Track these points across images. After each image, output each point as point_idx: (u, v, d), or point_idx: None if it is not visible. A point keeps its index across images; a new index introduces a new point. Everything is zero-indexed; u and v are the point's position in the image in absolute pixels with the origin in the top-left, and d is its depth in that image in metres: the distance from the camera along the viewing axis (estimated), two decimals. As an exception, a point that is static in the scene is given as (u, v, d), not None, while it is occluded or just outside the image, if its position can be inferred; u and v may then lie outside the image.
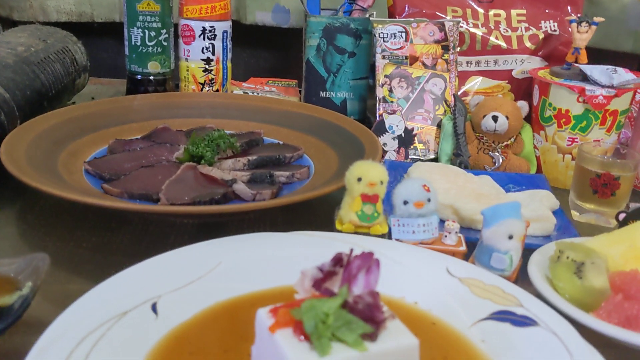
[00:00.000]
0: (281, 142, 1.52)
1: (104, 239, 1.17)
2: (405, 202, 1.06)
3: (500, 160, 1.52)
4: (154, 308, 0.85)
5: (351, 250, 0.76)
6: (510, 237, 0.99)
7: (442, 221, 1.11)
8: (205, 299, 0.90)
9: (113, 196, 1.19)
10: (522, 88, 1.70)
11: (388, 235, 1.09)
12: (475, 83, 1.69)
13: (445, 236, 1.08)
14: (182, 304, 0.88)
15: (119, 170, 1.28)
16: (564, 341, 0.81)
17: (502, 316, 0.88)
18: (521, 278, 1.04)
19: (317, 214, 1.29)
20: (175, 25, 1.81)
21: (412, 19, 1.64)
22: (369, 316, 0.70)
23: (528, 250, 1.07)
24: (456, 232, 1.08)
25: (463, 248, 1.07)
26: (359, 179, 1.05)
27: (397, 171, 1.44)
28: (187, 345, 0.81)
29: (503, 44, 1.55)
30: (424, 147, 1.59)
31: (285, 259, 0.99)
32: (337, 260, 0.76)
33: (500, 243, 0.99)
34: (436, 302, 0.92)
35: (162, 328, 0.83)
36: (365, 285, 0.75)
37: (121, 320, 0.81)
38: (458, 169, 1.39)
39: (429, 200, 1.06)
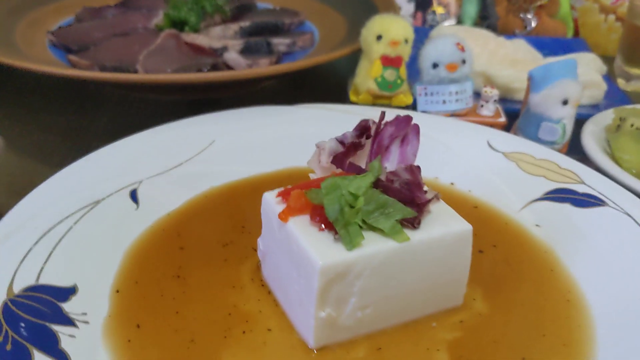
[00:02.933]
0: (278, 7, 1.29)
1: (75, 123, 0.99)
2: (435, 65, 0.87)
3: (533, 24, 1.31)
4: (133, 195, 0.69)
5: (382, 114, 0.58)
6: (565, 102, 0.81)
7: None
8: (196, 184, 0.73)
9: (82, 69, 1.00)
10: (558, -61, 1.45)
11: (413, 107, 0.91)
12: None
13: (482, 106, 0.91)
14: (168, 191, 0.71)
15: (88, 40, 1.08)
16: (641, 223, 0.66)
17: (560, 195, 0.72)
18: (571, 153, 0.87)
19: (326, 87, 1.10)
20: None
21: None
22: (408, 197, 0.54)
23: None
24: (495, 101, 0.90)
25: (502, 119, 0.90)
26: (379, 37, 0.86)
27: (416, 38, 1.23)
28: (176, 239, 0.66)
29: None
30: (443, 11, 1.37)
31: (292, 137, 0.82)
32: (363, 129, 0.59)
33: (553, 109, 0.82)
34: (477, 182, 0.76)
35: (144, 219, 0.67)
36: (400, 158, 0.58)
37: (93, 210, 0.65)
38: (487, 32, 1.18)
39: (463, 61, 0.87)
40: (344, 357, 0.53)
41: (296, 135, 0.82)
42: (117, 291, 0.58)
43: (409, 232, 0.52)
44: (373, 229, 0.52)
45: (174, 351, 0.52)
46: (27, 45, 1.06)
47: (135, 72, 0.97)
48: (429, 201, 0.54)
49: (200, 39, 1.08)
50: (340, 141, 0.59)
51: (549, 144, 0.83)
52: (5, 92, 1.08)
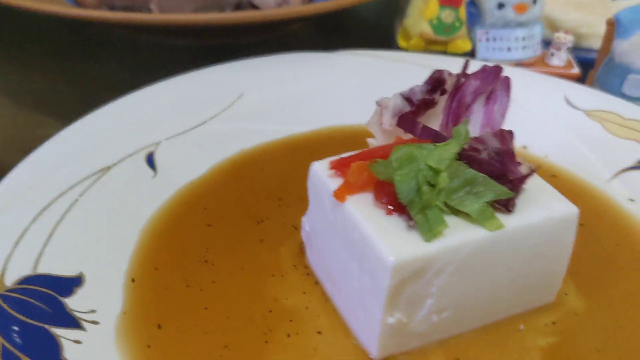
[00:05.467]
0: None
1: (80, 69, 0.87)
2: (501, 5, 0.74)
3: (595, -40, 1.16)
4: (150, 160, 0.58)
5: (466, 63, 0.46)
6: (659, 51, 0.68)
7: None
8: (223, 146, 0.62)
9: (89, 9, 0.87)
10: None
11: (471, 54, 0.78)
12: None
13: (552, 54, 0.78)
14: (191, 155, 0.60)
15: (94, -24, 0.95)
16: None
17: (659, 164, 0.61)
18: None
19: (364, 31, 0.97)
20: None
21: None
22: (499, 171, 0.42)
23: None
24: (568, 48, 0.77)
25: (576, 70, 0.77)
26: (436, -29, 0.73)
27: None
28: (202, 214, 0.55)
29: None
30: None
31: (333, 89, 0.70)
32: (436, 82, 0.47)
33: (643, 60, 0.69)
34: (555, 146, 0.64)
35: (163, 190, 0.56)
36: (485, 121, 0.47)
37: (102, 179, 0.54)
38: (547, -30, 1.04)
39: (534, 1, 0.74)
40: (413, 369, 0.43)
41: (338, 88, 0.70)
42: (133, 280, 0.48)
43: (501, 217, 0.41)
44: (457, 212, 0.41)
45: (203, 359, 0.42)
46: (25, -19, 0.94)
47: (149, 11, 0.85)
48: (526, 177, 0.43)
49: (220, -25, 0.94)
50: (407, 97, 0.47)
51: (637, 100, 0.70)
52: (2, 34, 0.96)
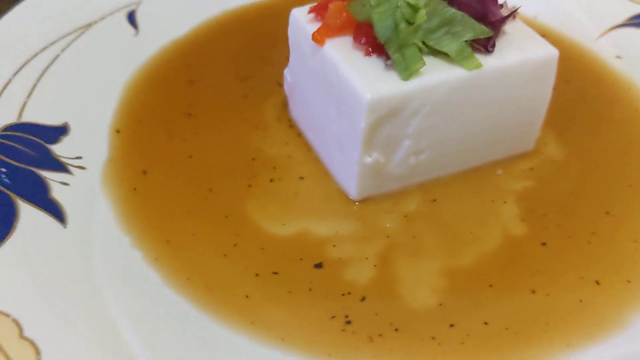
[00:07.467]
0: None
1: None
2: None
3: None
4: (131, 18, 0.57)
5: None
6: None
7: None
8: (206, 6, 0.60)
9: None
10: None
11: None
12: None
13: None
14: (174, 13, 0.59)
15: None
16: None
17: (649, 21, 0.59)
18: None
19: None
20: None
21: None
22: (480, 12, 0.42)
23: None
24: None
25: None
26: None
27: None
28: (184, 71, 0.54)
29: None
30: None
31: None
32: None
33: None
34: (545, 5, 0.62)
35: (145, 47, 0.55)
36: (470, -37, 0.45)
37: (83, 36, 0.53)
38: None
39: None
40: (391, 209, 0.44)
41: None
42: (118, 131, 0.48)
43: (480, 57, 0.41)
44: (435, 52, 0.41)
45: (188, 201, 0.44)
46: None
47: None
48: (506, 18, 0.42)
49: None
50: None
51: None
52: None
